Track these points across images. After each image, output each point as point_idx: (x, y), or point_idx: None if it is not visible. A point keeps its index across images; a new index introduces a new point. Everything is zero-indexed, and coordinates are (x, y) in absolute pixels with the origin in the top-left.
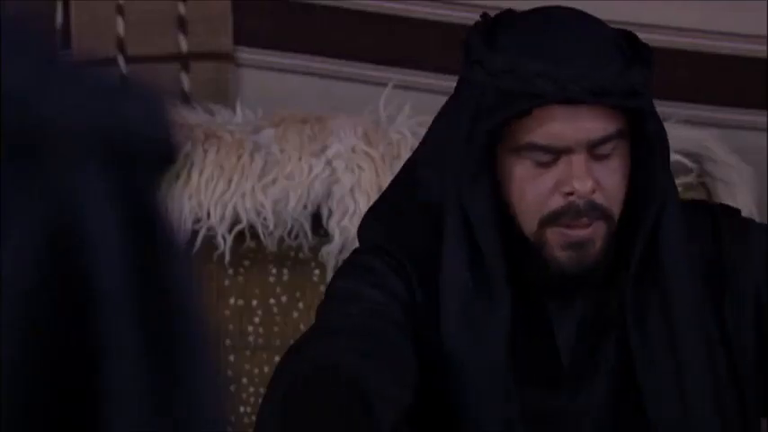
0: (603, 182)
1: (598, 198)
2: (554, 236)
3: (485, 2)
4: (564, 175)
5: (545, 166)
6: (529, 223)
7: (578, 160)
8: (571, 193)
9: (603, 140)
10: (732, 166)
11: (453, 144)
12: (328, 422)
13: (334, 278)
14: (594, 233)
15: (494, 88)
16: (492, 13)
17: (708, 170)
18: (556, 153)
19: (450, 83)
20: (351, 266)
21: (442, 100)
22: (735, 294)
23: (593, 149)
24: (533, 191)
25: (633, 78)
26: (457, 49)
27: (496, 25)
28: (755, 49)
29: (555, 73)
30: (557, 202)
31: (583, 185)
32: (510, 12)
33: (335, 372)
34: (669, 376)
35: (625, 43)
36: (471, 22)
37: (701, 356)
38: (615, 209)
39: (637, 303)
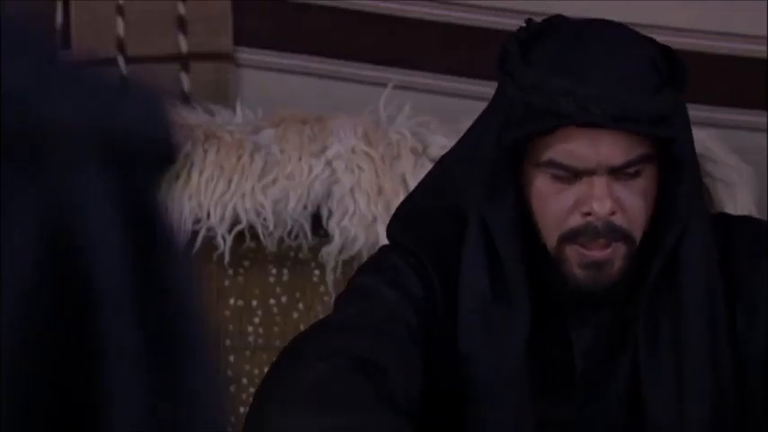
0: (625, 203)
1: (618, 220)
2: (573, 253)
3: (483, 2)
4: (584, 194)
5: (566, 183)
6: (550, 238)
7: (599, 182)
8: (590, 213)
9: (625, 166)
10: (732, 166)
11: (480, 152)
12: (332, 414)
13: (356, 272)
14: (613, 254)
15: (522, 102)
16: (492, 16)
17: (708, 170)
18: (575, 173)
19: (449, 83)
20: (374, 263)
21: (442, 100)
22: (748, 305)
23: (617, 172)
24: (554, 207)
25: (660, 104)
26: (457, 48)
27: (535, 35)
28: (755, 50)
29: (578, 93)
30: (576, 220)
31: (601, 207)
32: (553, 20)
33: (347, 358)
34: (670, 388)
35: (663, 63)
36: (471, 23)
37: (707, 375)
38: (636, 230)
39: (649, 320)
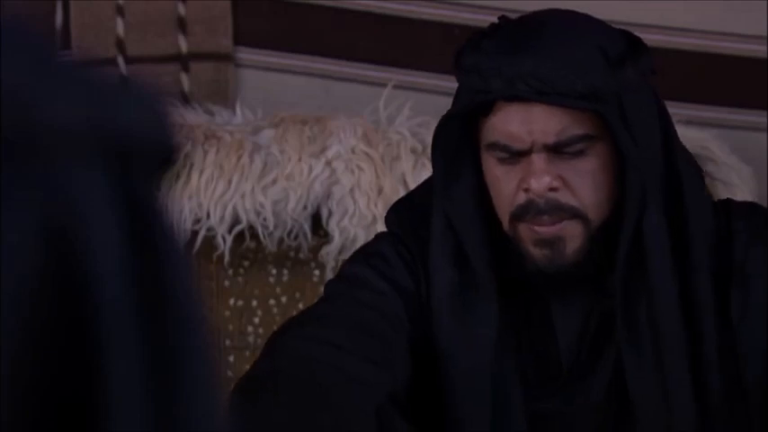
0: (571, 181)
1: (562, 197)
2: (524, 232)
3: (483, 2)
4: (525, 172)
5: (511, 163)
6: (504, 219)
7: (537, 159)
8: (530, 190)
9: (561, 144)
10: (732, 166)
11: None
12: (304, 406)
13: (348, 260)
14: (564, 232)
15: (463, 86)
16: (492, 16)
17: (708, 171)
18: (515, 153)
19: (450, 83)
20: (366, 252)
21: (442, 100)
22: (742, 290)
23: (555, 150)
24: (503, 188)
25: (592, 80)
26: (457, 49)
27: (499, 28)
28: (755, 49)
29: (506, 71)
30: (521, 197)
31: (538, 183)
32: (533, 14)
33: (310, 361)
34: (653, 377)
35: (615, 49)
36: (471, 23)
37: (684, 362)
38: (590, 210)
39: (627, 309)
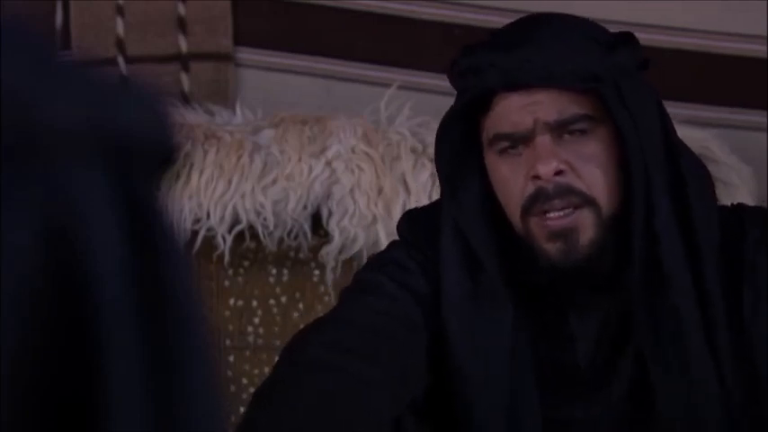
0: (577, 166)
1: (572, 180)
2: (537, 227)
3: (483, 2)
4: (531, 160)
5: (516, 155)
6: (514, 217)
7: (541, 142)
8: (538, 177)
9: (563, 123)
10: (732, 166)
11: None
12: (318, 412)
13: (362, 267)
14: (576, 222)
15: (459, 89)
16: (492, 16)
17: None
18: (519, 140)
19: (449, 83)
20: (381, 259)
21: (442, 100)
22: (753, 289)
23: (558, 131)
24: (510, 183)
25: (588, 63)
26: (457, 48)
27: (487, 36)
28: (755, 49)
29: (501, 63)
30: (529, 188)
31: (545, 166)
32: (513, 21)
33: (327, 367)
34: (677, 376)
35: (605, 38)
36: (471, 23)
37: (710, 367)
38: (599, 195)
39: (647, 309)
